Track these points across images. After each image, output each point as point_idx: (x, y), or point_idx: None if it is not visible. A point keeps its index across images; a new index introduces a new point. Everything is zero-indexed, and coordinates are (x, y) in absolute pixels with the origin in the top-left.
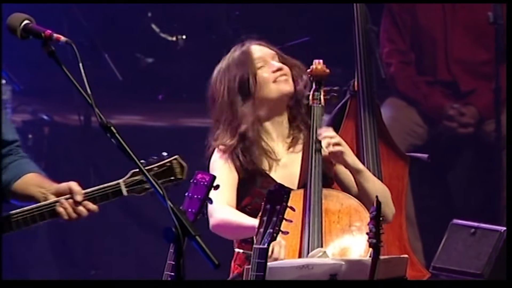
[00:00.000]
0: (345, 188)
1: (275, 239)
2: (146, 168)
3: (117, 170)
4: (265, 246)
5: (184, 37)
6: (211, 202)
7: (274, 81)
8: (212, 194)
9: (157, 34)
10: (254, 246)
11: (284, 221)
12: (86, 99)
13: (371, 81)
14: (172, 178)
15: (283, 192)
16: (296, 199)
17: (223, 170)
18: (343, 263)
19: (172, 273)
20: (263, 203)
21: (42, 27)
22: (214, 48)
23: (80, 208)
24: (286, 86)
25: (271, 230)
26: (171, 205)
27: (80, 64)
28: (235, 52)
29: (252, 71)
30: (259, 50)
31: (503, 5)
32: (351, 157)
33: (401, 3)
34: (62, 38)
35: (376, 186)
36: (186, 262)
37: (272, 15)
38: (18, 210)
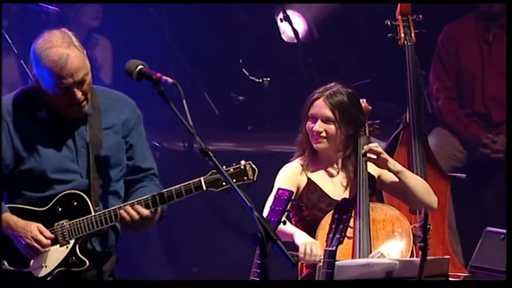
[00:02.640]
0: (391, 191)
1: (342, 243)
2: (225, 170)
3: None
4: (334, 248)
5: (268, 79)
6: (289, 212)
7: (312, 138)
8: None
9: (247, 77)
10: (325, 248)
11: (348, 228)
12: (189, 129)
13: (420, 115)
14: (245, 178)
15: (348, 204)
16: None
17: None
18: (397, 262)
19: (258, 271)
20: (332, 213)
21: (153, 71)
22: (292, 88)
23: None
24: (318, 145)
25: (338, 236)
26: (258, 216)
27: (184, 101)
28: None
29: (305, 122)
30: (316, 107)
31: None
32: (391, 161)
33: (447, 48)
34: (170, 80)
35: (416, 180)
36: (269, 262)
37: (340, 61)
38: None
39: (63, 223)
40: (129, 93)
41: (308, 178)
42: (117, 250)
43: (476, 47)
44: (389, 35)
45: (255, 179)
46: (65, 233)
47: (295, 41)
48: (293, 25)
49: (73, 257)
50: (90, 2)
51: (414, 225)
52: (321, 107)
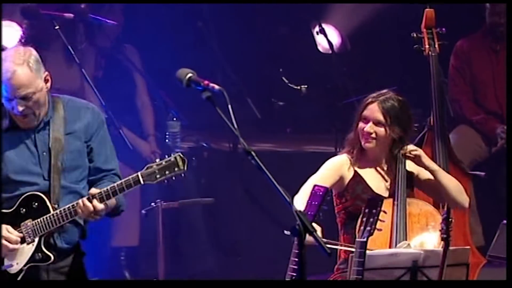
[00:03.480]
0: (427, 188)
1: (372, 234)
2: (157, 163)
3: (257, 183)
4: (365, 239)
5: (305, 86)
6: (325, 207)
7: (362, 137)
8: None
9: (286, 84)
10: (356, 239)
11: (378, 221)
12: (233, 131)
13: (443, 118)
14: (176, 169)
15: (378, 200)
16: (387, 205)
17: None
18: (422, 252)
19: (296, 259)
20: (363, 207)
21: (201, 78)
22: (327, 94)
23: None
24: (367, 145)
25: (369, 228)
26: (296, 210)
27: (229, 106)
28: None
29: (357, 122)
30: (369, 110)
31: None
32: (428, 161)
33: (461, 58)
34: (216, 87)
35: (450, 180)
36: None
37: (371, 69)
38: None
39: (27, 223)
40: (179, 98)
41: (355, 171)
42: (165, 244)
43: (486, 56)
44: (415, 46)
45: (185, 169)
46: (29, 232)
47: (330, 52)
48: (328, 37)
49: (39, 253)
50: (115, 2)
51: None
52: (374, 110)
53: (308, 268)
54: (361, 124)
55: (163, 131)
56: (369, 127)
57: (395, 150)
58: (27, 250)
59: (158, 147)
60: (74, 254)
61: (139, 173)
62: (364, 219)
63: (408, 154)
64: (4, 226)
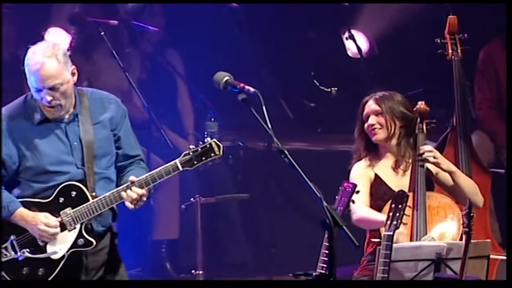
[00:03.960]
0: (444, 187)
1: (398, 228)
2: (193, 150)
3: (290, 180)
4: (391, 233)
5: (336, 89)
6: (353, 202)
7: (369, 132)
8: (356, 197)
9: (317, 86)
10: (383, 233)
11: (404, 216)
12: (267, 131)
13: (466, 119)
14: (212, 154)
15: (404, 195)
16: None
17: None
18: (446, 245)
19: (327, 251)
20: (389, 203)
21: (237, 81)
22: (356, 96)
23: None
24: (376, 136)
25: (395, 222)
26: (326, 205)
27: (264, 107)
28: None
29: (360, 127)
30: (366, 107)
31: None
32: (445, 163)
33: (486, 64)
34: (251, 89)
35: (467, 181)
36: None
37: (397, 73)
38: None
39: (67, 211)
40: (217, 99)
41: (375, 174)
42: (204, 237)
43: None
44: (438, 51)
45: (221, 153)
46: (70, 220)
47: (359, 56)
48: (356, 42)
49: (81, 239)
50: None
51: (461, 213)
52: (369, 105)
53: (338, 259)
54: (364, 123)
55: (202, 131)
56: (371, 120)
57: (403, 138)
58: (70, 236)
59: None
60: (109, 235)
61: (177, 160)
62: (391, 213)
63: (428, 159)
64: (42, 214)
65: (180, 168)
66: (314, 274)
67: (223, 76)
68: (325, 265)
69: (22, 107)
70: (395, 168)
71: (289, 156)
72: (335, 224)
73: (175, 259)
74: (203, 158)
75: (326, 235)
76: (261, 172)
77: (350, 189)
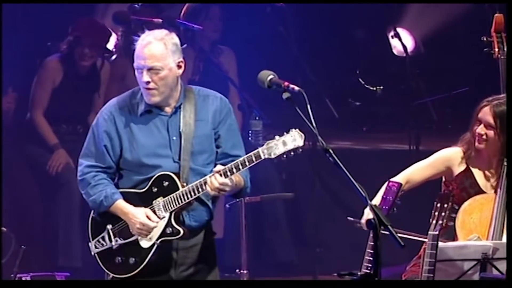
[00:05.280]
0: None
1: (443, 228)
2: (277, 139)
3: (334, 179)
4: (437, 232)
5: (381, 87)
6: (399, 201)
7: (475, 139)
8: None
9: (363, 85)
10: (429, 232)
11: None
12: (312, 130)
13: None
14: (294, 144)
15: (449, 195)
16: (488, 200)
17: None
18: (491, 245)
19: (371, 251)
20: (435, 202)
21: (282, 80)
22: (401, 95)
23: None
24: (478, 145)
25: (440, 222)
26: (371, 204)
27: (308, 106)
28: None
29: (473, 124)
30: (482, 112)
31: None
32: None
33: None
34: (296, 88)
35: None
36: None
37: (443, 71)
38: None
39: (158, 200)
40: (261, 99)
41: (467, 166)
42: (248, 236)
43: None
44: (485, 49)
45: (303, 144)
46: (161, 208)
47: (404, 54)
48: (402, 41)
49: (170, 228)
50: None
51: None
52: (486, 113)
53: (384, 259)
54: (475, 126)
55: (247, 129)
56: (480, 129)
57: (504, 155)
58: (159, 225)
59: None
60: (203, 233)
61: (259, 149)
62: (436, 213)
63: None
64: (144, 212)
65: (262, 157)
66: (359, 273)
67: (268, 75)
68: (370, 265)
69: (128, 99)
70: (488, 168)
71: (334, 155)
72: (380, 223)
73: (220, 258)
74: (286, 148)
75: (371, 235)
76: (306, 171)
77: (395, 188)
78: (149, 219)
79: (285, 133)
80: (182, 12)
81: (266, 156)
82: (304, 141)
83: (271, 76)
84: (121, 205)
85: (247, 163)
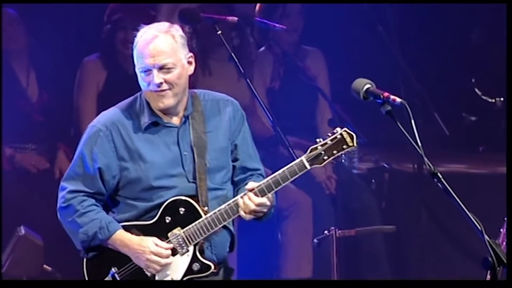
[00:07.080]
0: None
1: None
2: (322, 143)
3: (443, 208)
4: None
5: (501, 99)
6: None
7: None
8: None
9: (479, 96)
10: None
11: None
12: (417, 150)
13: None
14: (344, 146)
15: None
16: None
17: None
18: None
19: None
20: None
21: (380, 90)
22: None
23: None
24: None
25: None
26: (488, 239)
27: (413, 121)
28: None
29: None
30: None
31: None
32: None
33: None
34: (398, 99)
35: None
36: None
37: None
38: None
39: (176, 232)
40: (357, 113)
41: None
42: (341, 273)
43: None
44: None
45: (355, 145)
46: (181, 242)
47: None
48: None
49: (197, 263)
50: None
51: None
52: None
53: None
54: None
55: None
56: None
57: None
58: (182, 262)
59: (334, 171)
60: (223, 270)
61: (302, 157)
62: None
63: None
64: (151, 240)
65: (308, 167)
66: None
67: (364, 84)
68: None
69: (127, 109)
70: None
71: (443, 180)
72: (499, 262)
73: None
74: (334, 152)
75: (487, 275)
76: (410, 199)
77: None
78: (160, 246)
79: (329, 135)
80: (257, 9)
81: (313, 166)
82: (357, 141)
83: (368, 86)
84: (121, 236)
85: (288, 177)
